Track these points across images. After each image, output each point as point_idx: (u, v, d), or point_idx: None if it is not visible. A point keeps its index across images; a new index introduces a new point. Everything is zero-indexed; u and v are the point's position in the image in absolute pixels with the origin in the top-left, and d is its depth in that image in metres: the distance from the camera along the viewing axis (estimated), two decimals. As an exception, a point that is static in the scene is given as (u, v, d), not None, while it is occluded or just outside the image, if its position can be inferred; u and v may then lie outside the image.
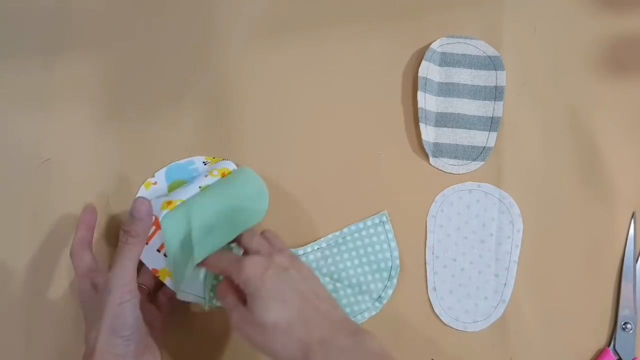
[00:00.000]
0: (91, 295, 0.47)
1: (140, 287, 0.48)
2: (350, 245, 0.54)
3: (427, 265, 0.55)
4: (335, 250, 0.54)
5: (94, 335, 0.44)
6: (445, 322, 0.54)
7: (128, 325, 0.44)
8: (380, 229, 0.55)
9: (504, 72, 0.57)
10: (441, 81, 0.57)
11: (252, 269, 0.43)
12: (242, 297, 0.44)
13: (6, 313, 0.52)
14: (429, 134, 0.56)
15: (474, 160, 0.56)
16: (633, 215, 0.56)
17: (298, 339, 0.41)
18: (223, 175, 0.52)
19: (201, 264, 0.47)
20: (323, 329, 0.42)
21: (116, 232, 0.53)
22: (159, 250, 0.49)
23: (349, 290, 0.54)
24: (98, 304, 0.45)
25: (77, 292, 0.49)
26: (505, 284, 0.55)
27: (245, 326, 0.43)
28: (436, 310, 0.55)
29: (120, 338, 0.43)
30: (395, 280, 0.54)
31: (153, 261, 0.49)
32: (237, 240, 0.49)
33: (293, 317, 0.42)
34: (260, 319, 0.42)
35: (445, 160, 0.56)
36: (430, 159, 0.56)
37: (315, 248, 0.54)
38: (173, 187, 0.53)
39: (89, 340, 0.45)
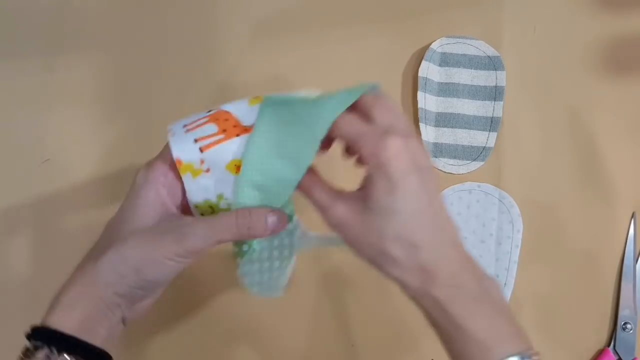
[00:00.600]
0: (159, 201, 0.36)
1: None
2: None
3: (427, 266, 0.55)
4: None
5: (108, 257, 0.35)
6: (445, 322, 0.54)
7: (156, 281, 0.36)
8: None
9: (504, 72, 0.57)
10: (441, 81, 0.57)
11: (396, 150, 0.34)
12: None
13: (6, 313, 0.52)
14: (428, 134, 0.56)
15: (474, 160, 0.56)
16: (633, 215, 0.56)
17: (423, 259, 0.34)
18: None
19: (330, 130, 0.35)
20: (452, 262, 0.34)
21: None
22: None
23: None
24: (145, 231, 0.35)
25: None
26: (505, 284, 0.55)
27: (358, 217, 0.35)
28: (436, 311, 0.54)
29: (135, 284, 0.35)
30: None
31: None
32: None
33: (425, 228, 0.34)
34: (391, 208, 0.33)
35: (445, 160, 0.56)
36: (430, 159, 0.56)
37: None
38: None
39: (96, 253, 0.36)
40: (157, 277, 0.36)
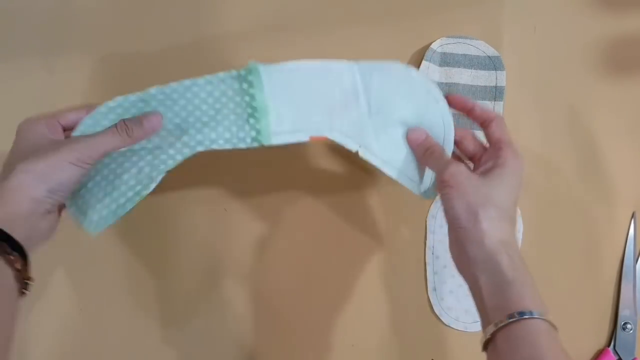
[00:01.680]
0: (45, 133, 0.44)
1: None
2: None
3: (427, 266, 0.55)
4: None
5: (22, 167, 0.41)
6: (445, 323, 0.54)
7: (65, 186, 0.42)
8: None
9: (504, 72, 0.57)
10: (441, 81, 0.57)
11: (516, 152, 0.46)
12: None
13: (6, 313, 0.52)
14: (429, 134, 0.56)
15: (474, 160, 0.56)
16: (633, 215, 0.56)
17: (503, 230, 0.42)
18: None
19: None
20: (512, 241, 0.43)
21: (116, 231, 0.53)
22: None
23: None
24: (49, 144, 0.43)
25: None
26: (505, 284, 0.55)
27: (467, 182, 0.43)
28: (436, 311, 0.55)
29: (46, 187, 0.41)
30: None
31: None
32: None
33: (510, 219, 0.43)
34: (495, 192, 0.42)
35: (445, 160, 0.56)
36: (430, 159, 0.56)
37: None
38: None
39: (10, 166, 0.41)
40: (62, 180, 0.42)
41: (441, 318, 0.54)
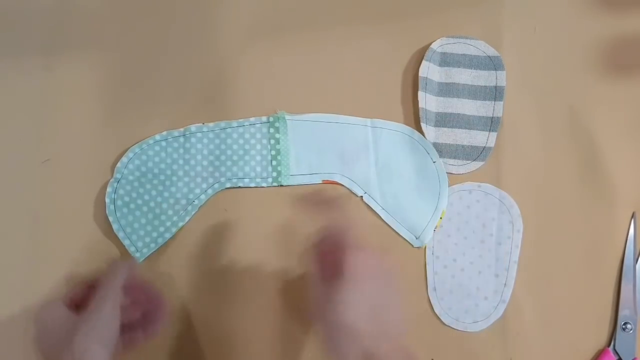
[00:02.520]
0: (67, 315, 0.45)
1: None
2: None
3: (427, 266, 0.55)
4: None
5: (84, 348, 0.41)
6: (446, 323, 0.54)
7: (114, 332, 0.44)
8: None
9: (504, 72, 0.57)
10: (441, 81, 0.57)
11: (365, 261, 0.43)
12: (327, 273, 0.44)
13: (6, 313, 0.52)
14: (429, 134, 0.56)
15: (474, 160, 0.56)
16: (633, 215, 0.56)
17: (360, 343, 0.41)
18: None
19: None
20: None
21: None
22: None
23: None
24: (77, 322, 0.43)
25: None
26: (505, 284, 0.55)
27: (323, 299, 0.43)
28: (436, 311, 0.55)
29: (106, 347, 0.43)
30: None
31: None
32: None
33: (365, 323, 0.42)
34: (342, 314, 0.41)
35: (445, 160, 0.56)
36: (430, 159, 0.57)
37: None
38: None
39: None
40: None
41: (441, 318, 0.54)
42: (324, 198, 0.53)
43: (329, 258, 0.45)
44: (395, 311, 0.44)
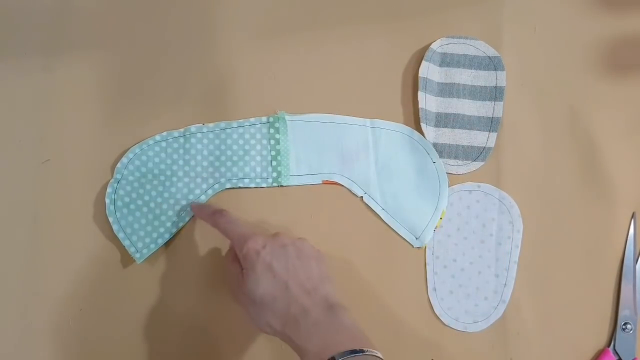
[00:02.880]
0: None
1: None
2: None
3: (427, 266, 0.55)
4: None
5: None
6: (446, 323, 0.54)
7: None
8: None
9: (504, 72, 0.57)
10: (441, 81, 0.57)
11: (252, 245, 0.46)
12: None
13: (6, 313, 0.52)
14: (429, 134, 0.56)
15: (474, 160, 0.56)
16: (633, 215, 0.56)
17: (280, 313, 0.44)
18: None
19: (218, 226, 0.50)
20: (303, 304, 0.44)
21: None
22: None
23: None
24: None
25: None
26: (505, 284, 0.55)
27: (241, 296, 0.46)
28: (436, 311, 0.55)
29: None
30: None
31: None
32: None
33: (279, 292, 0.44)
34: (250, 292, 0.45)
35: (445, 160, 0.56)
36: (430, 159, 0.57)
37: None
38: None
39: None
40: None
41: (441, 318, 0.54)
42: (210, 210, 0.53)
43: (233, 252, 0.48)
44: (307, 270, 0.46)
